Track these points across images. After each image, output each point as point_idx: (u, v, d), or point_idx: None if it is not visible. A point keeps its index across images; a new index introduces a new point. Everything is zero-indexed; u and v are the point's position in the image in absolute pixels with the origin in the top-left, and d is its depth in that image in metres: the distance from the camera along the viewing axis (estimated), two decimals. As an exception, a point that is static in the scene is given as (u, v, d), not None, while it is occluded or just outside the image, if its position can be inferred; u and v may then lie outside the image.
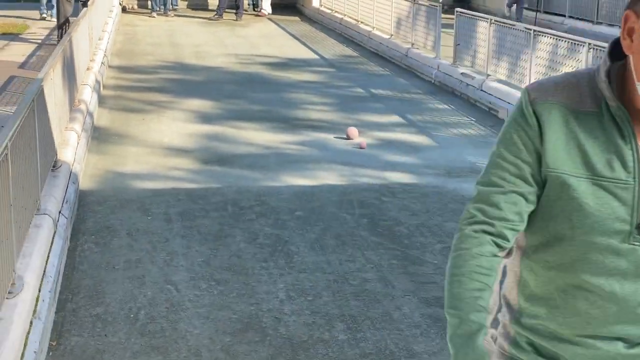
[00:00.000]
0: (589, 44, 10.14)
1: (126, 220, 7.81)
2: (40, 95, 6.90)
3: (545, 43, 11.29)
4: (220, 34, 21.07)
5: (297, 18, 25.16)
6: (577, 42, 10.50)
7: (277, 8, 26.23)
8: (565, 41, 10.76)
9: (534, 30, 11.59)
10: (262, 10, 25.34)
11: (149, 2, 25.22)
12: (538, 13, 23.16)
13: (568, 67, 10.69)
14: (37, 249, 5.89)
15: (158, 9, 24.58)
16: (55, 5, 16.82)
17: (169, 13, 24.58)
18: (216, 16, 23.90)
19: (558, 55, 10.94)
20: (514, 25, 12.31)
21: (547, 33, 11.42)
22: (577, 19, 21.48)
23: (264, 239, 7.40)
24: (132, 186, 8.84)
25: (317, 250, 7.17)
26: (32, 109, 6.30)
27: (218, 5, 23.97)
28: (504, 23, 12.69)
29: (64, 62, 9.16)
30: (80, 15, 12.94)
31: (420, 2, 16.50)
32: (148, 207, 8.18)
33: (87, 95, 11.23)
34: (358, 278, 6.62)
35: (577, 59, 10.48)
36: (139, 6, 26.10)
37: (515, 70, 12.17)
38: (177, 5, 25.72)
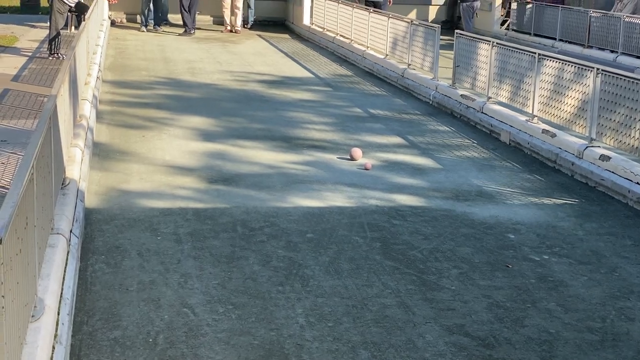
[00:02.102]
0: (597, 69, 10.09)
1: (135, 240, 7.67)
2: (54, 112, 6.76)
3: (550, 67, 11.23)
4: (212, 50, 20.95)
5: (287, 35, 25.09)
6: (584, 67, 10.43)
7: (265, 25, 26.21)
8: (572, 65, 10.70)
9: (539, 54, 11.55)
10: (245, 26, 25.28)
11: (139, 17, 25.09)
12: (528, 35, 23.27)
13: (575, 91, 10.64)
14: (54, 270, 5.74)
15: (148, 24, 24.44)
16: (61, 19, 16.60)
17: (159, 28, 24.43)
18: (186, 32, 23.72)
19: (564, 79, 10.89)
20: (517, 48, 12.26)
21: (552, 57, 11.37)
22: (568, 42, 21.54)
23: (278, 262, 7.27)
24: (138, 205, 8.69)
25: (333, 274, 7.06)
26: (49, 127, 6.17)
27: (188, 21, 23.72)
28: (506, 46, 12.64)
29: (70, 77, 9.02)
30: (81, 28, 12.80)
31: (416, 22, 16.50)
32: (156, 226, 8.04)
33: (87, 111, 11.07)
34: (377, 304, 6.51)
35: (584, 83, 10.43)
36: (128, 20, 25.97)
37: (518, 93, 12.11)
38: (166, 21, 25.58)
